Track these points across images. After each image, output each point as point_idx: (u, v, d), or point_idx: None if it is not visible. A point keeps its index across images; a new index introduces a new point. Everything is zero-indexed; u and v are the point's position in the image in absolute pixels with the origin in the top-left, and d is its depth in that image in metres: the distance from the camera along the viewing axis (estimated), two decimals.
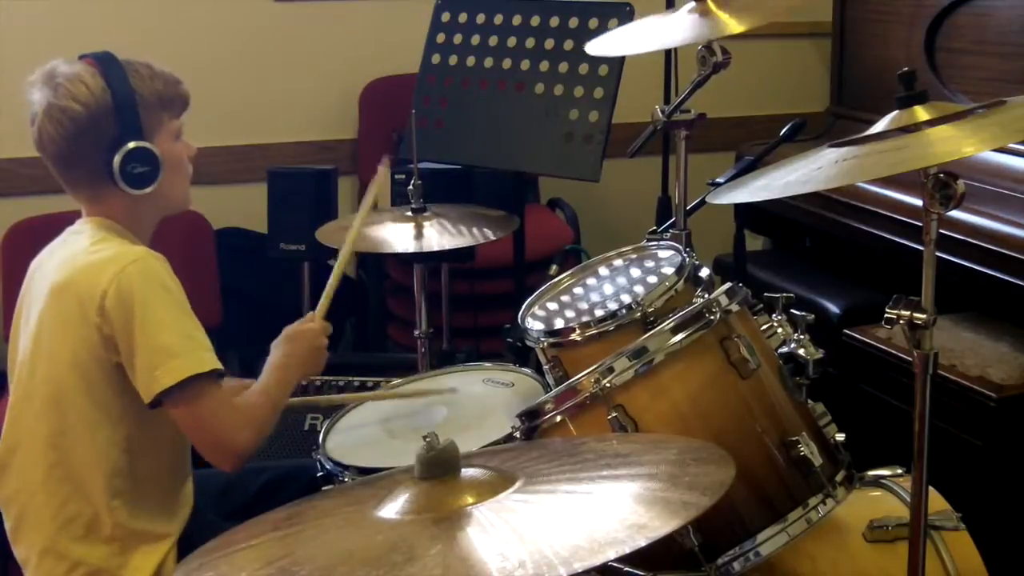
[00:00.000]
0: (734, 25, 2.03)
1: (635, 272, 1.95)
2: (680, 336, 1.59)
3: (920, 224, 1.48)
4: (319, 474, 1.95)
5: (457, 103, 2.82)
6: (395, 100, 3.45)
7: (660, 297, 1.77)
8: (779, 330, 1.76)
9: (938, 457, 1.52)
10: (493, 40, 2.79)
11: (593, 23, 2.66)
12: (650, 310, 1.75)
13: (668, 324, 1.61)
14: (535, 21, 2.75)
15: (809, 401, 1.71)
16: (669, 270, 1.86)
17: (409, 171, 2.42)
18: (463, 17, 2.85)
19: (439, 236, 2.35)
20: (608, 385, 1.58)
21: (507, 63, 2.76)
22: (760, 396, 1.63)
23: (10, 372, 1.95)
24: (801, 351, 1.72)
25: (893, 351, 2.72)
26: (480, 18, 2.82)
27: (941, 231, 1.47)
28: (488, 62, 2.79)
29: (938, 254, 1.47)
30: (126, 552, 1.85)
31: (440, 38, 2.87)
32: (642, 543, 1.06)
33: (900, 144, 1.45)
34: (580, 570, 1.03)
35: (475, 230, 2.39)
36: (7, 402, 1.93)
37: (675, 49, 3.13)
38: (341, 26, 3.73)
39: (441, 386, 2.17)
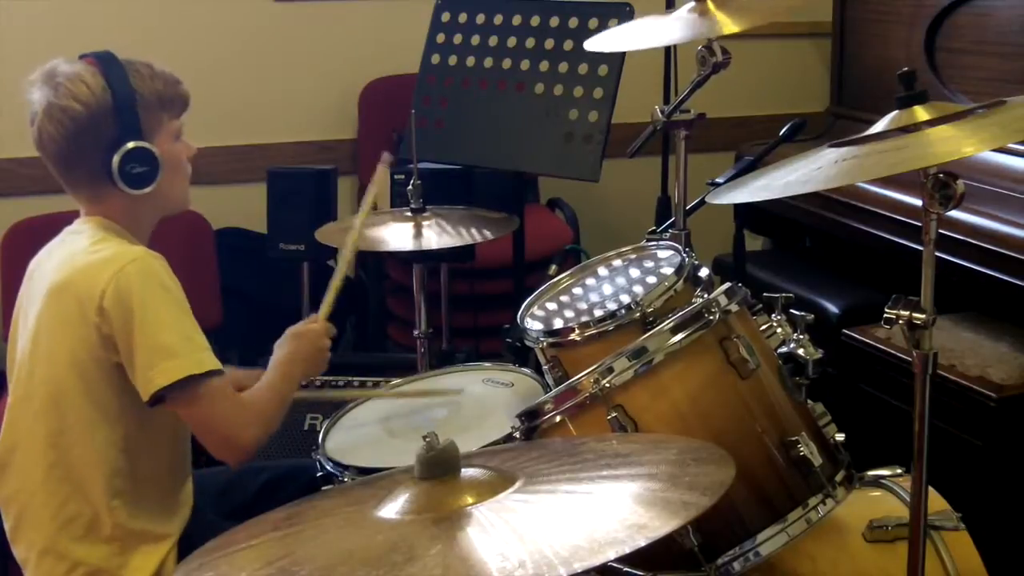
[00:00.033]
0: (734, 25, 2.03)
1: (635, 272, 1.95)
2: (680, 336, 1.59)
3: (920, 224, 1.48)
4: (319, 474, 1.95)
5: (457, 103, 2.81)
6: (395, 100, 3.45)
7: (660, 297, 1.77)
8: (778, 330, 1.76)
9: (938, 457, 1.52)
10: (493, 40, 2.79)
11: (593, 23, 2.65)
12: (649, 310, 1.75)
13: (668, 324, 1.61)
14: (535, 21, 2.75)
15: (809, 401, 1.71)
16: (668, 270, 1.86)
17: (409, 171, 2.42)
18: (463, 17, 2.85)
19: (438, 236, 2.35)
20: (608, 385, 1.58)
21: (507, 63, 2.76)
22: (760, 396, 1.63)
23: (9, 372, 1.95)
24: (800, 351, 1.72)
25: (892, 351, 2.72)
26: (480, 18, 2.82)
27: (941, 231, 1.47)
28: (488, 62, 2.79)
29: (938, 254, 1.47)
30: (126, 552, 1.85)
31: (440, 38, 2.87)
32: (642, 543, 1.06)
33: (900, 144, 1.44)
34: (580, 570, 1.03)
35: (474, 230, 2.39)
36: (6, 402, 1.93)
37: (675, 49, 3.13)
38: (341, 26, 3.73)
39: (444, 387, 2.17)
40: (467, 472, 1.25)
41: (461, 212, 2.48)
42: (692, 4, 2.11)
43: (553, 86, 2.69)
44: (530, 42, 2.74)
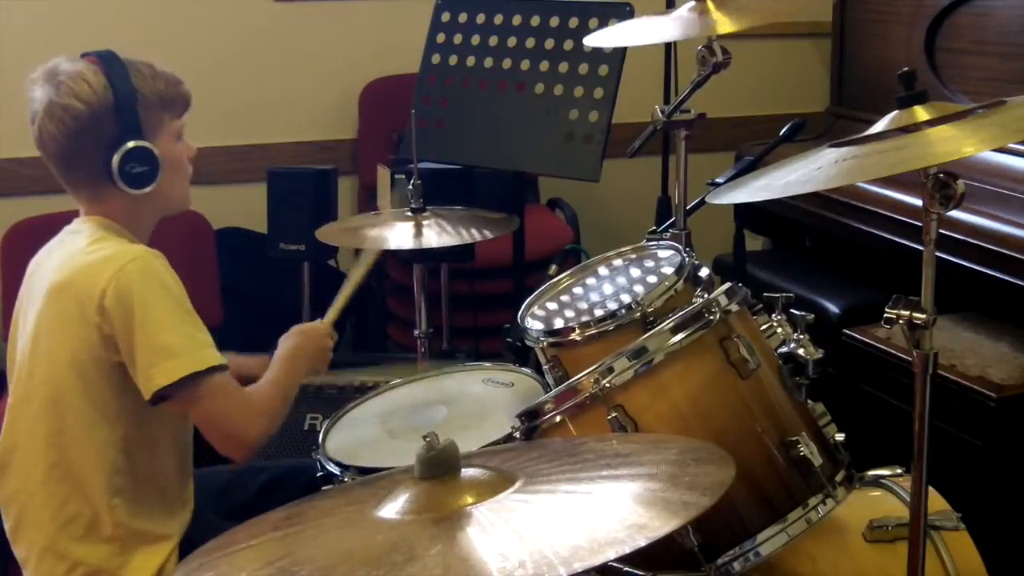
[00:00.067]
0: (733, 24, 2.03)
1: (635, 272, 1.95)
2: (680, 336, 1.59)
3: (920, 224, 1.48)
4: (319, 474, 1.95)
5: (457, 103, 2.81)
6: (395, 100, 3.45)
7: (660, 297, 1.77)
8: (779, 330, 1.76)
9: (938, 457, 1.52)
10: (493, 40, 2.79)
11: (593, 23, 2.65)
12: (650, 310, 1.75)
13: (668, 324, 1.61)
14: (535, 21, 2.75)
15: (809, 401, 1.71)
16: (669, 270, 1.86)
17: (409, 171, 2.42)
18: (463, 17, 2.85)
19: (438, 235, 2.35)
20: (608, 385, 1.58)
21: (507, 63, 2.76)
22: (760, 396, 1.63)
23: (9, 372, 1.95)
24: (801, 351, 1.72)
25: (893, 351, 2.72)
26: (480, 18, 2.82)
27: (941, 231, 1.47)
28: (488, 62, 2.79)
29: (938, 254, 1.47)
30: (126, 552, 1.85)
31: (440, 38, 2.87)
32: (642, 543, 1.06)
33: (900, 144, 1.44)
34: (580, 570, 1.03)
35: (474, 230, 2.39)
36: (6, 402, 1.93)
37: (675, 49, 3.13)
38: (341, 26, 3.73)
39: (442, 387, 2.17)
40: (467, 472, 1.24)
41: (461, 212, 2.48)
42: (692, 4, 2.11)
43: (553, 86, 2.69)
44: (530, 42, 2.74)
